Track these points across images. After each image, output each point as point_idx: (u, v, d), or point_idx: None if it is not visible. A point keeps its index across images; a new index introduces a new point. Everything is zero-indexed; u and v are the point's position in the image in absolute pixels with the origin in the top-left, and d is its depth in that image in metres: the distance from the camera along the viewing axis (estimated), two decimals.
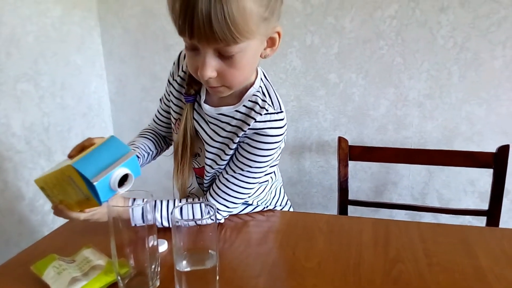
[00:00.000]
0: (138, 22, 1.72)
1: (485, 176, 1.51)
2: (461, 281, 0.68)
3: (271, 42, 0.73)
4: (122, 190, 0.62)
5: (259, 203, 0.96)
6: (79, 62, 1.65)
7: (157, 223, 0.81)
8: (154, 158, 1.01)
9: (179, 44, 1.69)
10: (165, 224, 0.82)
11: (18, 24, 1.36)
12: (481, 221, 1.37)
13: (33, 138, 1.46)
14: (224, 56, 0.67)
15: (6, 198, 1.37)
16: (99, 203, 0.62)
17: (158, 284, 0.67)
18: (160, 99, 0.98)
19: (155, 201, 0.81)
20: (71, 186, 0.63)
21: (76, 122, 1.66)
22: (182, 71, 0.87)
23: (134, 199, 0.76)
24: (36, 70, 1.44)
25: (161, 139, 1.03)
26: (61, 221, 0.81)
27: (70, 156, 0.69)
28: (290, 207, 1.07)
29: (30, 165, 1.45)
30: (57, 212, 0.72)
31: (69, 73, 1.60)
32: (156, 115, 1.01)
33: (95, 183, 0.58)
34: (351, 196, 1.36)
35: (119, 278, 0.65)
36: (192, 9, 0.60)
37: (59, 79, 1.55)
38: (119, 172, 0.61)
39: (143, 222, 0.63)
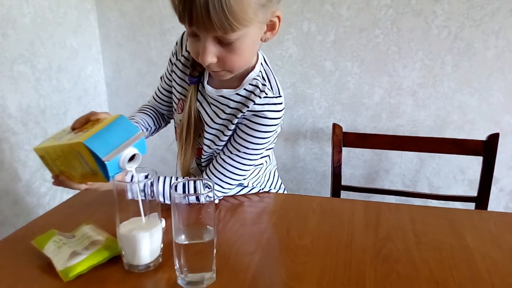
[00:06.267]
0: (135, 5, 1.71)
1: (475, 164, 1.54)
2: (448, 259, 0.71)
3: (271, 26, 0.74)
4: (130, 168, 0.64)
5: (254, 185, 0.98)
6: (75, 45, 1.65)
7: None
8: (152, 134, 1.03)
9: (175, 28, 1.69)
10: (160, 199, 0.83)
11: (15, 5, 1.36)
12: (469, 208, 1.40)
13: (30, 120, 1.46)
14: (223, 43, 0.69)
15: (2, 179, 1.38)
16: (107, 179, 0.63)
17: (160, 260, 0.69)
18: (161, 77, 0.99)
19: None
20: (77, 160, 0.64)
21: (71, 106, 1.66)
22: (186, 51, 0.89)
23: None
24: (33, 52, 1.44)
25: (160, 117, 1.04)
26: (57, 202, 0.82)
27: (74, 129, 0.70)
28: (284, 190, 1.09)
29: (27, 146, 1.45)
30: (58, 182, 0.73)
31: (65, 56, 1.60)
32: (156, 93, 1.02)
33: (106, 162, 0.60)
34: (344, 182, 1.38)
35: (123, 252, 0.67)
36: None
37: (55, 61, 1.55)
38: (129, 152, 0.63)
39: (145, 196, 0.65)
